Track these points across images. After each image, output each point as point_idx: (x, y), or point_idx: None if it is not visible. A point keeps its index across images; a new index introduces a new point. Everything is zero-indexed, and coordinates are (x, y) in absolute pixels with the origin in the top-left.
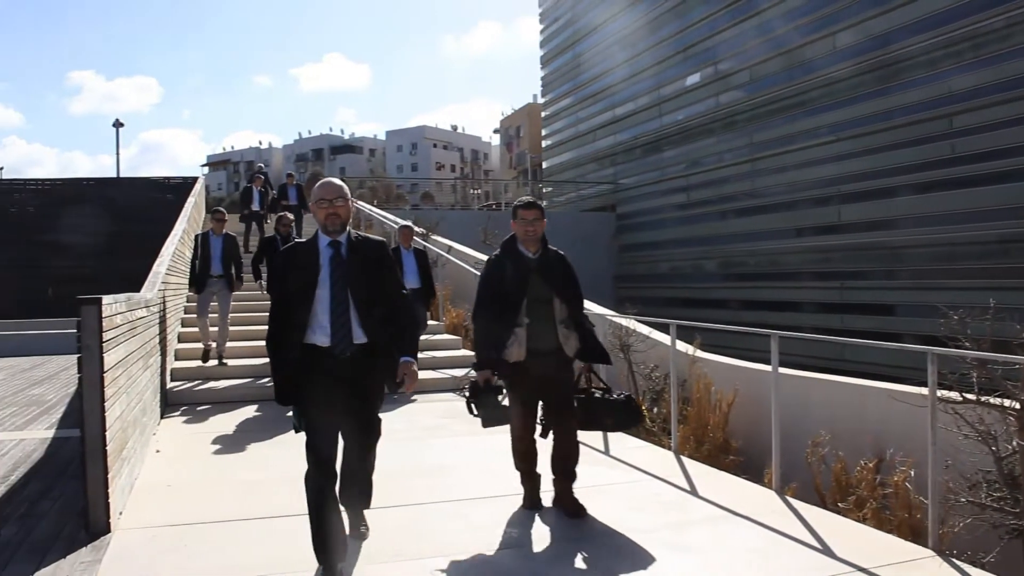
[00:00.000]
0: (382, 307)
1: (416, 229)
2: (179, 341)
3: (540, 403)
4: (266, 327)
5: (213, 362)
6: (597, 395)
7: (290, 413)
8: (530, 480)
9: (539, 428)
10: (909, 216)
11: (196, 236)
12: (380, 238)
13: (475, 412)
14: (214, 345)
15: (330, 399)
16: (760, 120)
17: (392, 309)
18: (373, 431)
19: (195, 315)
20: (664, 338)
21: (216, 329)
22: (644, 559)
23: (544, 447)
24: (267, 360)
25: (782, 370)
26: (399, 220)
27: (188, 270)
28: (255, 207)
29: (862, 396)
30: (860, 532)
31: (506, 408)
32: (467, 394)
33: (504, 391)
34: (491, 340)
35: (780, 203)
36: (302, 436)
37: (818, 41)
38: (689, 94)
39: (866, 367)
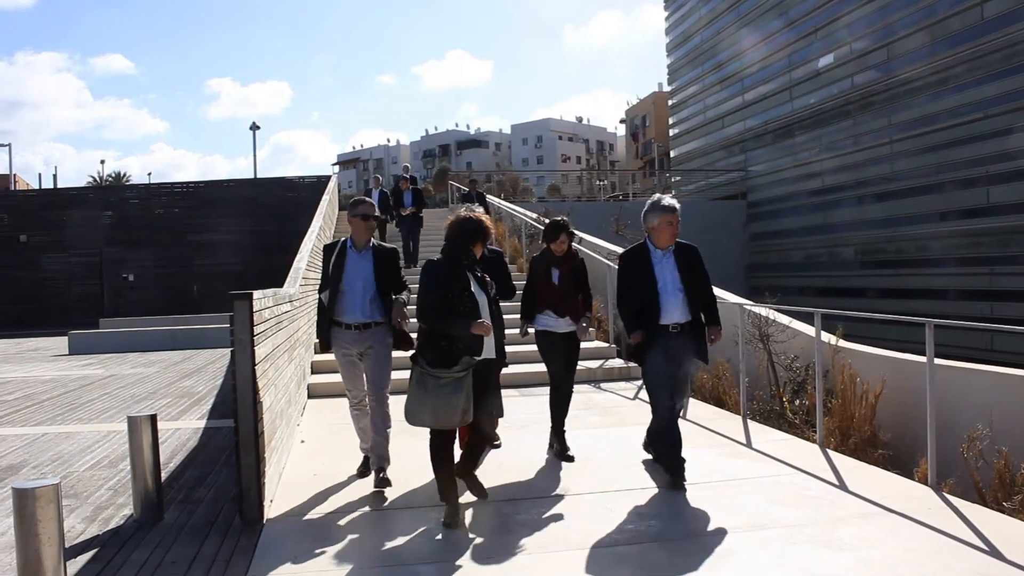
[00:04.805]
0: None
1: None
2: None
3: None
4: None
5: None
6: None
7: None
8: None
9: None
10: None
11: (326, 247)
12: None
13: None
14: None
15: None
16: (899, 100)
17: None
18: None
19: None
20: (804, 327)
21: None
22: (794, 556)
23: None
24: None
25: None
26: (528, 213)
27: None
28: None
29: None
30: None
31: None
32: None
33: None
34: None
35: (922, 186)
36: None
37: (964, 12)
38: (822, 76)
39: (1018, 358)
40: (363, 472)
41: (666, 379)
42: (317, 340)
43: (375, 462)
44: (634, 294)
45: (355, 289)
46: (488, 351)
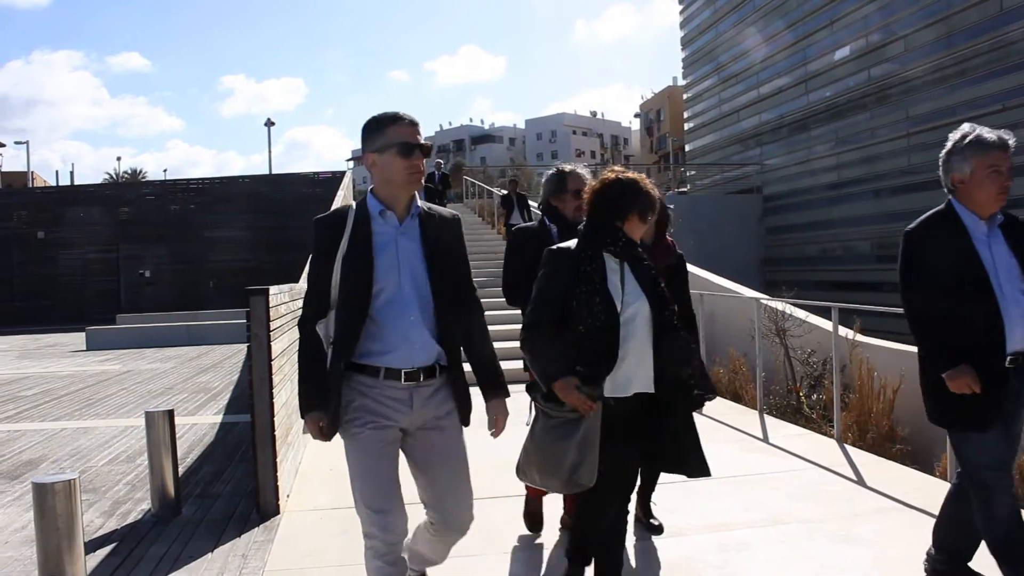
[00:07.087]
0: None
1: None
2: None
3: None
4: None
5: None
6: None
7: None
8: None
9: None
10: None
11: (318, 223)
12: None
13: None
14: None
15: None
16: (917, 92)
17: None
18: None
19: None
20: (821, 322)
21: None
22: (813, 551)
23: None
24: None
25: None
26: None
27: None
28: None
29: None
30: None
31: None
32: None
33: None
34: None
35: (940, 179)
36: None
37: (983, 3)
38: (838, 69)
39: None
40: None
41: (1008, 459)
42: (304, 418)
43: None
44: (946, 299)
45: (402, 296)
46: (638, 381)
